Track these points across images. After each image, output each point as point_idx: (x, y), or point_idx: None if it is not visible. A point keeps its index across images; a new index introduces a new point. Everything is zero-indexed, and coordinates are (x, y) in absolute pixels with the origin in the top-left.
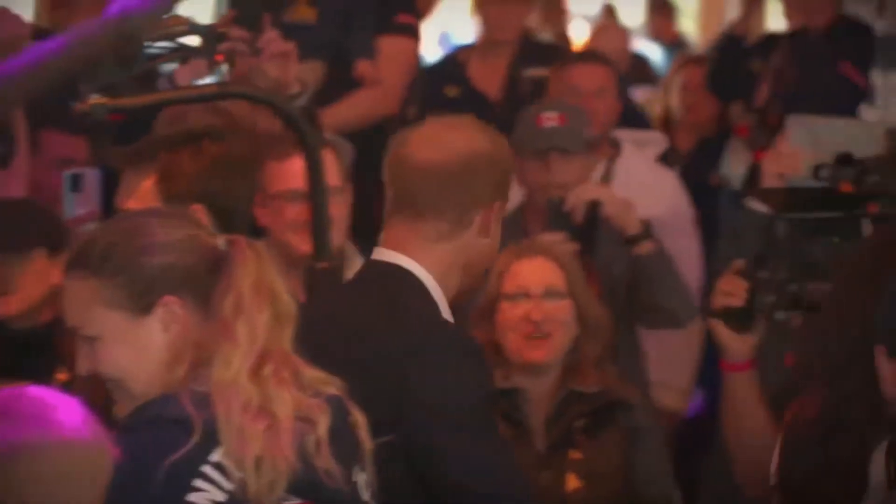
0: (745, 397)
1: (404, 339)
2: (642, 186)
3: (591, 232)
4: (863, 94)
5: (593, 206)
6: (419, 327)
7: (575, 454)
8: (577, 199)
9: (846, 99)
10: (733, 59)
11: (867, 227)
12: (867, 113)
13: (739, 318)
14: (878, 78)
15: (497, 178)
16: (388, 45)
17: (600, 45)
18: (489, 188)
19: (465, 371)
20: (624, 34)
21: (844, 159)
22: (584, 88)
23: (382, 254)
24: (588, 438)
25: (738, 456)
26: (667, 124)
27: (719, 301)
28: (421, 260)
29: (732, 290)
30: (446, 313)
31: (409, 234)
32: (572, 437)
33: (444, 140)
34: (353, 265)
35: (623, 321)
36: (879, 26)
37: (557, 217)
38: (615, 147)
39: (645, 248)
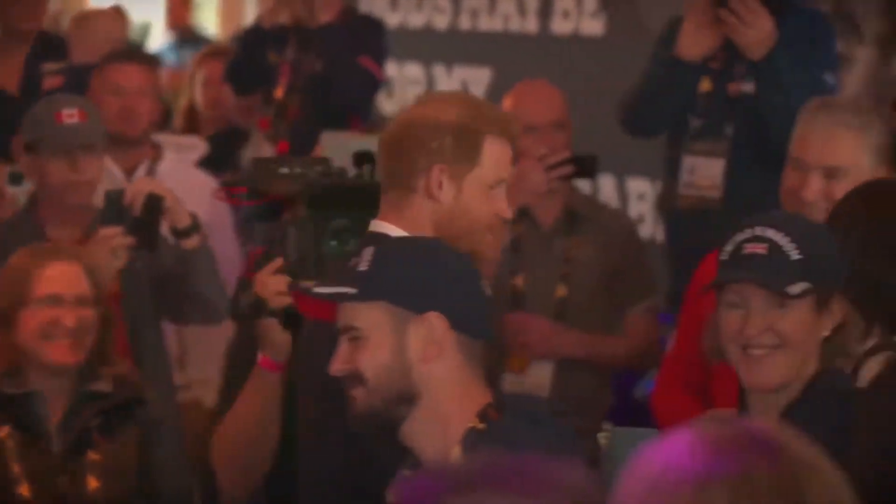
0: (272, 398)
1: None
2: (183, 190)
3: (149, 226)
4: (379, 85)
5: (151, 200)
6: None
7: (93, 455)
8: (137, 192)
9: (365, 90)
10: (253, 52)
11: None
12: (385, 104)
13: (289, 317)
14: (393, 69)
15: (436, 143)
16: None
17: (88, 30)
18: (424, 152)
19: None
20: (116, 21)
21: (362, 157)
22: (125, 87)
23: (374, 225)
24: (105, 438)
25: (234, 453)
26: (190, 118)
27: (277, 300)
28: (402, 227)
29: (284, 289)
30: None
31: (384, 205)
32: (89, 438)
33: (403, 114)
34: None
35: (145, 317)
36: (392, 19)
37: (115, 211)
38: (157, 149)
39: (194, 241)
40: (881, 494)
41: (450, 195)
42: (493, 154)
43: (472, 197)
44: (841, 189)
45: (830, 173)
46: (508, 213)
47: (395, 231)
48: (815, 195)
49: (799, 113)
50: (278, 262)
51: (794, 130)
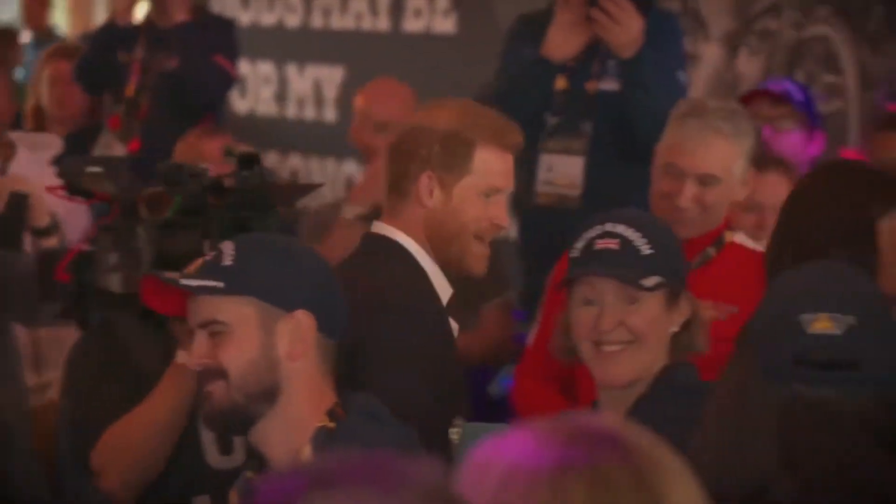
0: (188, 396)
1: (366, 300)
2: (37, 187)
3: (13, 225)
4: (232, 83)
5: (15, 198)
6: (379, 290)
7: None
8: (0, 189)
9: (219, 88)
10: (103, 51)
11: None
12: (238, 102)
13: None
14: (245, 68)
15: (426, 150)
16: None
17: None
18: (415, 159)
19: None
20: None
21: (250, 159)
22: None
23: (376, 226)
24: None
25: (138, 452)
26: (38, 118)
27: None
28: (401, 230)
29: None
30: (437, 277)
31: (385, 208)
32: None
33: (406, 119)
34: None
35: None
36: (244, 18)
37: None
38: (10, 147)
39: (53, 240)
40: (721, 485)
41: (439, 202)
42: (486, 163)
43: (463, 204)
44: (713, 195)
45: (704, 180)
46: (504, 222)
47: (394, 233)
48: (689, 202)
49: (667, 115)
50: (200, 262)
51: (665, 134)
